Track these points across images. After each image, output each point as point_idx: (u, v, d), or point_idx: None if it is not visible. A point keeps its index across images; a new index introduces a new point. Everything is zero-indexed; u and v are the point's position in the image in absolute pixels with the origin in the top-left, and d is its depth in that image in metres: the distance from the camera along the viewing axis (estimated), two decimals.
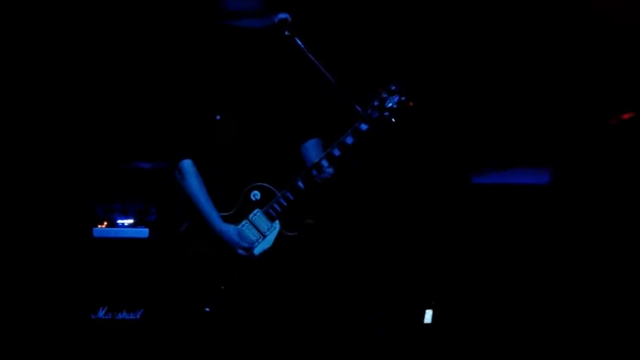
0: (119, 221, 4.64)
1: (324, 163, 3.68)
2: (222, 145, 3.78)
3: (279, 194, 3.74)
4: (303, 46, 3.61)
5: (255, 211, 3.76)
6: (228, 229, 3.71)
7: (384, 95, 3.69)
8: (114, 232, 4.57)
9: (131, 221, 4.65)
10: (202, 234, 3.75)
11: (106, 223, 4.61)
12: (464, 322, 4.67)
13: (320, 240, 4.02)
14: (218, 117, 3.76)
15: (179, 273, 3.80)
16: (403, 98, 3.69)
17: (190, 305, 3.78)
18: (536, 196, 4.70)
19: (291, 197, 3.73)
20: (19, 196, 4.77)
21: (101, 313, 4.42)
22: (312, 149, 3.89)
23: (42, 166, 4.84)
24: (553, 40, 5.01)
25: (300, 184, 3.71)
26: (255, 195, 3.77)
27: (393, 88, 3.69)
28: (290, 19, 3.62)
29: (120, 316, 4.43)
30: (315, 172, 3.68)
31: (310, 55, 3.61)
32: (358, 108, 3.65)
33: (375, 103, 3.69)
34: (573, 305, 4.53)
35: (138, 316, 4.45)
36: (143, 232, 4.58)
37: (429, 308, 4.70)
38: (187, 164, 3.77)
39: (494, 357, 4.53)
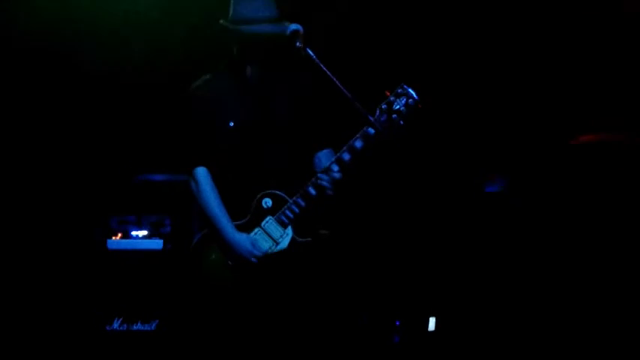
0: (133, 233, 4.65)
1: (334, 167, 3.69)
2: (234, 152, 3.79)
3: (290, 201, 3.74)
4: (314, 56, 3.62)
5: (267, 219, 3.76)
6: (241, 239, 3.71)
7: (392, 98, 3.69)
8: (128, 244, 4.59)
9: (145, 233, 4.66)
10: (216, 243, 3.75)
11: (120, 235, 4.62)
12: (470, 327, 4.67)
13: (333, 246, 4.02)
14: (231, 124, 3.78)
15: (193, 283, 3.81)
16: (411, 101, 3.68)
17: (204, 315, 3.78)
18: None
19: (303, 203, 3.73)
20: (35, 208, 4.80)
21: (116, 325, 4.43)
22: (324, 158, 3.90)
23: (57, 177, 4.86)
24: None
25: (312, 190, 3.72)
26: (267, 202, 3.77)
27: (400, 90, 3.69)
28: (302, 30, 3.64)
29: (135, 327, 4.44)
30: (325, 178, 3.69)
31: (322, 66, 3.62)
32: (371, 118, 3.65)
33: (383, 107, 3.69)
34: (562, 307, 4.54)
35: (153, 327, 4.46)
36: (157, 244, 4.59)
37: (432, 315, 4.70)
38: (202, 172, 3.78)
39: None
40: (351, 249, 4.77)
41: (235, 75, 3.84)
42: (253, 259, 3.71)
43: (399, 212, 5.00)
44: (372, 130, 3.67)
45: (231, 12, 3.79)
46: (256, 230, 3.76)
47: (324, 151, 3.92)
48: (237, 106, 3.80)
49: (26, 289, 4.50)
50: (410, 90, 3.71)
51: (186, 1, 4.89)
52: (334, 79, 3.62)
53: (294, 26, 3.62)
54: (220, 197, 3.77)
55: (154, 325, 4.46)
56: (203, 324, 3.80)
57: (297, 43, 3.61)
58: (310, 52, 3.62)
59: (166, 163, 4.92)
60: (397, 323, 4.67)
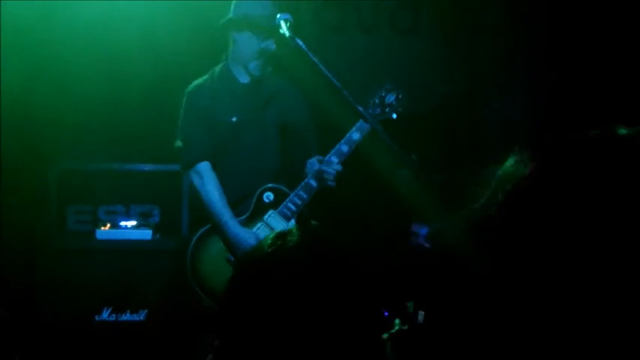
0: (122, 223, 4.65)
1: (334, 159, 3.72)
2: (235, 147, 3.79)
3: (292, 194, 3.75)
4: (304, 46, 3.62)
5: (269, 213, 3.77)
6: (245, 234, 3.70)
7: (383, 93, 3.75)
8: (117, 234, 4.58)
9: (134, 223, 4.66)
10: (221, 238, 3.74)
11: (109, 225, 4.62)
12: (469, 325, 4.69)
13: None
14: (234, 119, 3.78)
15: (191, 276, 3.78)
16: (400, 95, 3.75)
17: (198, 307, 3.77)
18: None
19: (305, 195, 3.74)
20: (22, 197, 4.78)
21: (105, 315, 4.43)
22: (316, 165, 3.90)
23: (44, 169, 4.85)
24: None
25: (313, 182, 3.73)
26: (269, 196, 3.78)
27: (389, 86, 3.76)
28: (291, 19, 3.64)
29: (124, 317, 4.43)
30: (325, 169, 3.71)
31: (312, 56, 3.63)
32: (360, 108, 3.67)
33: (376, 101, 3.76)
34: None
35: (142, 318, 4.46)
36: (146, 234, 4.58)
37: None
38: (206, 167, 3.78)
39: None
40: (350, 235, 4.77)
41: (234, 71, 3.85)
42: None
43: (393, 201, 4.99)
44: (366, 125, 3.71)
45: (231, 12, 3.81)
46: (259, 225, 3.76)
47: (314, 158, 3.94)
48: (238, 102, 3.81)
49: (13, 279, 4.48)
50: (397, 85, 3.79)
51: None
52: (324, 70, 3.63)
53: (284, 15, 3.64)
54: (224, 192, 3.76)
55: (142, 315, 4.45)
56: (195, 316, 3.79)
57: (287, 33, 3.62)
58: (300, 42, 3.63)
59: (155, 153, 4.90)
60: (386, 314, 4.68)
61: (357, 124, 3.74)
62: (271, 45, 3.76)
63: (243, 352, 1.62)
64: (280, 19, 3.64)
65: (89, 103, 4.96)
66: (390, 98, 3.78)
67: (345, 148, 3.73)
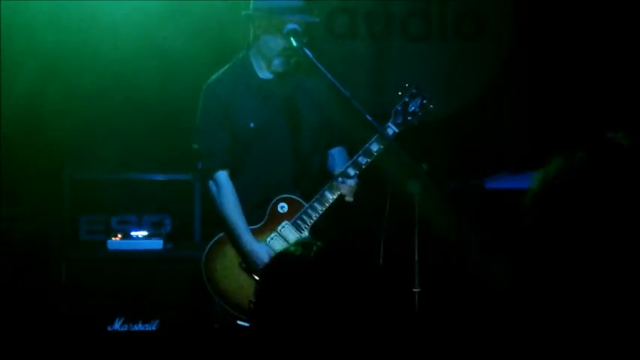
0: (133, 233, 4.64)
1: (351, 171, 3.66)
2: (252, 154, 3.75)
3: (306, 205, 3.70)
4: (312, 55, 3.59)
5: (283, 224, 3.72)
6: (259, 249, 3.66)
7: (406, 99, 3.68)
8: (128, 244, 4.57)
9: (145, 233, 4.65)
10: (233, 247, 3.72)
11: (120, 236, 4.62)
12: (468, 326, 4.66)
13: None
14: (252, 124, 3.73)
15: (203, 286, 3.76)
16: (425, 101, 3.68)
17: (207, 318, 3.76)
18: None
19: (320, 207, 3.69)
20: (34, 208, 4.79)
21: (117, 325, 4.42)
22: (337, 156, 3.87)
23: (57, 179, 4.86)
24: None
25: (328, 193, 3.68)
26: (283, 207, 3.73)
27: (415, 91, 3.68)
28: (299, 29, 3.61)
29: (136, 327, 4.43)
30: (341, 181, 3.65)
31: (320, 66, 3.59)
32: (369, 117, 3.63)
33: (399, 108, 3.69)
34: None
35: (154, 328, 4.45)
36: (157, 244, 4.58)
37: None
38: (224, 176, 3.73)
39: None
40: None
41: (254, 65, 3.78)
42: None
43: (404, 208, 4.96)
44: (389, 132, 3.66)
45: (251, 4, 3.74)
46: (272, 235, 3.71)
47: (337, 148, 3.89)
48: (256, 102, 3.75)
49: (25, 291, 4.49)
50: (423, 90, 3.70)
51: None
52: (333, 80, 3.60)
53: (290, 25, 3.60)
54: (239, 203, 3.72)
55: (154, 325, 4.45)
56: (207, 325, 3.77)
57: (294, 43, 3.59)
58: (308, 52, 3.60)
59: (167, 163, 4.91)
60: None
61: (377, 134, 3.66)
62: (296, 27, 3.64)
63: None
64: (288, 29, 3.61)
65: (101, 113, 4.97)
66: (415, 104, 3.70)
67: (362, 160, 3.67)
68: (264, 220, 3.73)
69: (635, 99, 4.86)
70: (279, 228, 3.72)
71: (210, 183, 3.75)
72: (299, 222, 3.71)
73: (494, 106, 5.20)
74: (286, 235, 3.71)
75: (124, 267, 4.47)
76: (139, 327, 4.44)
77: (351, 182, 3.66)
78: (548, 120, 5.13)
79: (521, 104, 5.23)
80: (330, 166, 3.88)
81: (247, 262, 3.68)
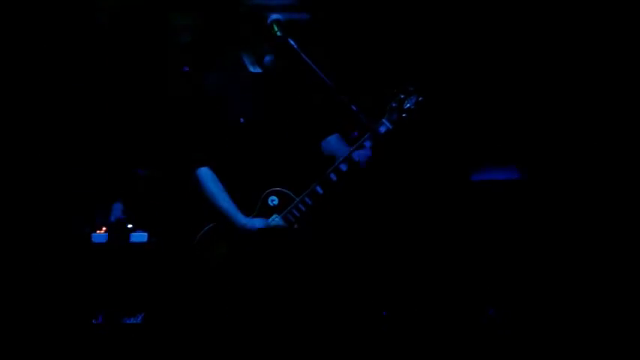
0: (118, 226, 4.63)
1: (343, 167, 3.65)
2: (242, 149, 3.75)
3: (297, 199, 3.70)
4: (296, 46, 3.58)
5: (273, 217, 3.72)
6: (253, 220, 3.66)
7: (402, 96, 3.67)
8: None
9: (130, 226, 4.64)
10: (224, 236, 3.71)
11: (104, 229, 4.60)
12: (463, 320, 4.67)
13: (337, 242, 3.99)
14: (242, 120, 3.73)
15: (192, 278, 3.76)
16: (421, 98, 3.66)
17: (199, 311, 3.75)
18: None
19: (310, 202, 3.69)
20: (19, 201, 4.77)
21: (102, 318, 4.41)
22: (334, 142, 3.85)
23: (42, 170, 4.83)
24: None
25: (319, 189, 3.68)
26: (273, 200, 3.73)
27: (411, 89, 3.67)
28: (282, 19, 3.60)
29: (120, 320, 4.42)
30: (333, 177, 3.65)
31: (304, 56, 3.58)
32: (354, 107, 3.62)
33: (394, 105, 3.67)
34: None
35: (139, 321, 4.44)
36: (142, 237, 4.57)
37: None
38: (204, 172, 3.74)
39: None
40: (349, 240, 4.75)
41: (245, 59, 3.78)
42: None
43: (395, 203, 4.98)
44: (382, 129, 3.64)
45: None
46: None
47: (333, 136, 3.88)
48: (247, 101, 3.75)
49: (10, 283, 4.47)
50: (420, 87, 3.69)
51: None
52: (317, 70, 3.58)
53: (274, 15, 3.58)
54: (227, 192, 3.72)
55: (139, 318, 4.44)
56: (199, 317, 3.77)
57: (278, 33, 3.58)
58: (292, 42, 3.59)
59: (151, 157, 4.89)
60: (384, 313, 4.67)
61: (372, 130, 3.64)
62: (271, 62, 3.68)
63: None
64: (272, 19, 3.59)
65: (89, 106, 4.95)
66: (410, 102, 3.68)
67: (355, 156, 3.65)
68: (254, 213, 3.73)
69: None
70: (269, 221, 3.72)
71: (194, 176, 3.75)
72: (289, 216, 3.71)
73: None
74: None
75: (108, 260, 4.46)
76: (123, 320, 4.43)
77: (344, 178, 3.67)
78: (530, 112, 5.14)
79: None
80: (324, 151, 3.86)
81: (241, 241, 3.68)
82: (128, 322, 4.43)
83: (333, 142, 3.86)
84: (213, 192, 3.71)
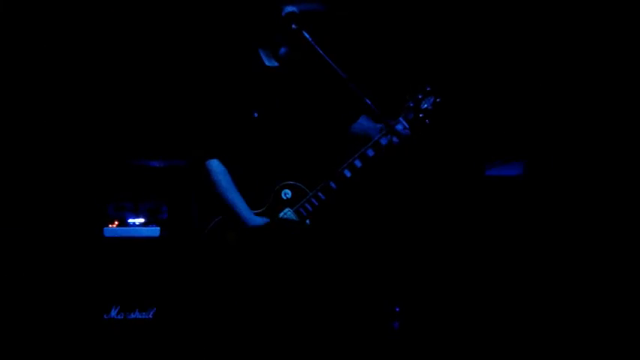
0: (130, 220, 4.61)
1: (357, 163, 3.64)
2: (255, 142, 3.73)
3: (310, 194, 3.69)
4: (311, 39, 3.55)
5: (285, 211, 3.71)
6: (256, 219, 3.64)
7: (420, 96, 3.65)
8: (125, 232, 4.54)
9: (142, 220, 4.62)
10: (232, 230, 3.69)
11: (116, 223, 4.58)
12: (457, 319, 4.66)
13: (347, 239, 3.97)
14: (256, 114, 3.71)
15: (200, 271, 3.74)
16: (439, 99, 3.64)
17: (209, 305, 3.73)
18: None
19: (323, 197, 3.68)
20: (30, 196, 4.76)
21: (114, 313, 4.40)
22: (365, 122, 3.82)
23: (52, 164, 4.82)
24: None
25: (333, 184, 3.67)
26: (287, 194, 3.72)
27: (429, 89, 3.65)
28: (297, 11, 3.57)
29: (132, 315, 4.40)
30: (347, 173, 3.64)
31: (319, 49, 3.55)
32: (368, 101, 3.59)
33: (411, 104, 3.65)
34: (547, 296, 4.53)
35: (150, 316, 4.42)
36: (154, 231, 4.55)
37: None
38: (214, 165, 3.72)
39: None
40: (359, 238, 4.72)
41: (261, 52, 3.76)
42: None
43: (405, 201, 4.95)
44: (399, 127, 3.63)
45: None
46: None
47: (361, 117, 3.85)
48: (262, 96, 3.73)
49: (23, 278, 4.46)
50: (438, 88, 3.67)
51: None
52: (331, 63, 3.55)
53: (289, 8, 3.56)
54: (236, 185, 3.70)
55: (151, 313, 4.42)
56: (208, 312, 3.75)
57: (293, 25, 3.55)
58: (306, 35, 3.56)
59: (164, 150, 4.87)
60: (397, 309, 4.63)
61: (388, 128, 3.62)
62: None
63: None
64: (286, 11, 3.57)
65: (98, 99, 4.93)
66: (428, 102, 3.66)
67: (370, 153, 3.59)
68: (267, 205, 3.71)
69: None
70: (281, 215, 3.71)
71: (204, 169, 3.73)
72: (301, 210, 3.70)
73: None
74: None
75: (121, 254, 4.44)
76: (135, 315, 4.41)
77: (358, 174, 3.65)
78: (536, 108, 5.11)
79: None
80: (359, 133, 3.83)
81: (248, 236, 3.66)
82: (140, 317, 4.41)
83: (364, 123, 3.84)
84: (221, 185, 3.68)
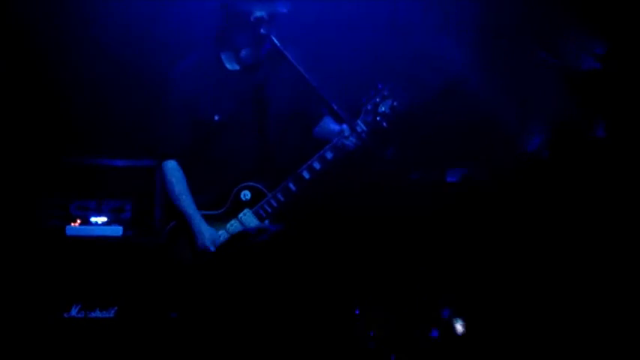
0: (92, 219, 4.60)
1: (316, 165, 3.67)
2: (216, 144, 3.75)
3: (269, 195, 3.72)
4: (279, 44, 3.59)
5: (244, 211, 3.75)
6: (206, 232, 3.67)
7: (377, 100, 3.67)
8: (87, 231, 4.53)
9: (105, 219, 4.61)
10: (184, 234, 3.72)
11: (79, 221, 4.57)
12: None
13: (309, 240, 4.00)
14: (217, 117, 3.73)
15: (157, 273, 3.78)
16: (396, 103, 3.67)
17: (163, 306, 3.76)
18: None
19: (282, 198, 3.71)
20: None
21: (74, 312, 4.38)
22: (329, 122, 3.84)
23: (15, 163, 4.79)
24: None
25: (292, 185, 3.70)
26: (246, 195, 3.76)
27: (386, 93, 3.67)
28: (266, 17, 3.60)
29: (93, 314, 4.39)
30: (306, 174, 3.67)
31: (287, 54, 3.59)
32: (334, 105, 3.64)
33: (369, 107, 3.68)
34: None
35: (111, 315, 4.42)
36: (117, 231, 4.54)
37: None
38: (172, 165, 3.74)
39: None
40: (323, 240, 4.75)
41: (222, 56, 3.77)
42: (211, 248, 3.69)
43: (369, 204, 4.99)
44: (357, 130, 3.66)
45: None
46: (232, 221, 3.75)
47: (325, 118, 3.88)
48: (223, 94, 3.74)
49: None
50: (395, 92, 3.70)
51: None
52: (300, 70, 3.59)
53: (258, 14, 3.59)
54: (196, 186, 3.73)
55: (112, 312, 4.41)
56: (162, 312, 3.77)
57: (262, 30, 3.58)
58: (275, 40, 3.59)
59: (128, 149, 4.86)
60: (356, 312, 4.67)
61: (344, 132, 3.66)
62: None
63: None
64: (255, 17, 3.59)
65: (64, 97, 4.91)
66: (385, 106, 3.68)
67: (329, 155, 3.64)
68: (226, 206, 3.74)
69: None
70: (241, 215, 3.75)
71: (161, 169, 3.78)
72: (260, 211, 3.73)
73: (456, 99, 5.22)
74: (247, 223, 3.74)
75: (82, 253, 4.43)
76: (96, 314, 4.40)
77: (316, 176, 3.68)
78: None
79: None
80: (317, 135, 3.87)
81: (196, 242, 3.69)
82: (101, 316, 4.40)
83: (326, 125, 3.86)
84: (174, 190, 3.73)
